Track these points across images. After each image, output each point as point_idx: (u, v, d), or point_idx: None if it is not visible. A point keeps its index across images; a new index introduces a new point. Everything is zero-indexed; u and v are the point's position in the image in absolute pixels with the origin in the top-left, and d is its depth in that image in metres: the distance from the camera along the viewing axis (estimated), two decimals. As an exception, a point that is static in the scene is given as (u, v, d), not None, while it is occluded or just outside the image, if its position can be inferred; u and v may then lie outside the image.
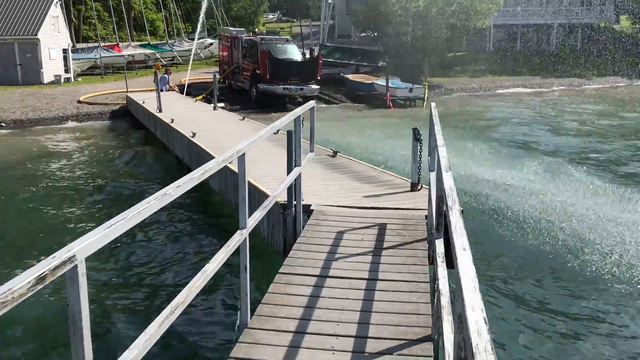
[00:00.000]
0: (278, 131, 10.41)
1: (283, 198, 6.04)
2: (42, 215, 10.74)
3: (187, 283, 3.03)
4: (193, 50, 30.22)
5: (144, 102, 19.00)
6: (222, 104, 20.21)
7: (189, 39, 44.82)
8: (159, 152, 16.01)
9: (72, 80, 31.63)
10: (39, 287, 1.70)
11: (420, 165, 7.06)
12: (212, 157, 9.57)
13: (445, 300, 2.82)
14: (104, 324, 6.20)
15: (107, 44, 38.77)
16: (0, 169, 14.89)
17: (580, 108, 27.12)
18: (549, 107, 27.94)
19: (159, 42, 45.05)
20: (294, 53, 26.55)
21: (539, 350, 5.76)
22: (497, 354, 1.35)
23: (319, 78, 25.91)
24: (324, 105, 26.02)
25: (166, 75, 24.38)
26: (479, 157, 14.51)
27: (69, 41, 33.36)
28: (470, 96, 32.28)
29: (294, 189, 5.93)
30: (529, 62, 40.69)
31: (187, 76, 25.53)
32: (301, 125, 5.76)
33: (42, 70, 29.53)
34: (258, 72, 24.96)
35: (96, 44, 36.92)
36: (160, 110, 16.57)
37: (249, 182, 4.66)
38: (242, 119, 15.76)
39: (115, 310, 6.74)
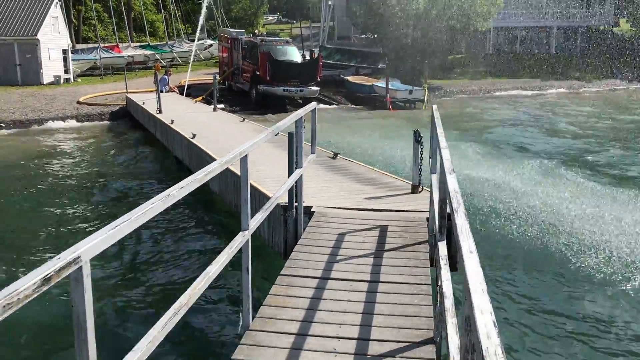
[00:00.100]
0: (278, 133, 10.41)
1: (284, 199, 6.03)
2: (42, 216, 10.73)
3: (190, 284, 3.02)
4: (193, 52, 30.21)
5: (143, 103, 18.99)
6: (221, 105, 20.20)
7: (188, 40, 44.86)
8: (158, 153, 16.00)
9: (72, 81, 31.62)
10: (45, 288, 1.69)
11: (421, 168, 7.05)
12: (212, 159, 9.56)
13: (449, 302, 2.81)
14: (106, 325, 6.18)
15: (106, 44, 38.77)
16: (-1, 169, 14.89)
17: (576, 111, 27.16)
18: (546, 109, 27.98)
19: (158, 43, 45.06)
20: (294, 55, 26.56)
21: (545, 353, 5.75)
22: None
23: (318, 80, 25.90)
24: (323, 106, 26.01)
25: (166, 77, 24.38)
26: (472, 158, 14.57)
27: (69, 42, 33.35)
28: (469, 98, 32.30)
29: (295, 191, 5.93)
30: (529, 65, 40.74)
31: (187, 77, 25.53)
32: (302, 126, 5.75)
33: (41, 71, 29.51)
34: (258, 73, 24.95)
35: (96, 45, 36.92)
36: (160, 111, 16.56)
37: (250, 183, 4.65)
38: (242, 121, 15.75)
39: (117, 311, 6.73)
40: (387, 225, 6.04)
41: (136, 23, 48.77)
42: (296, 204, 5.98)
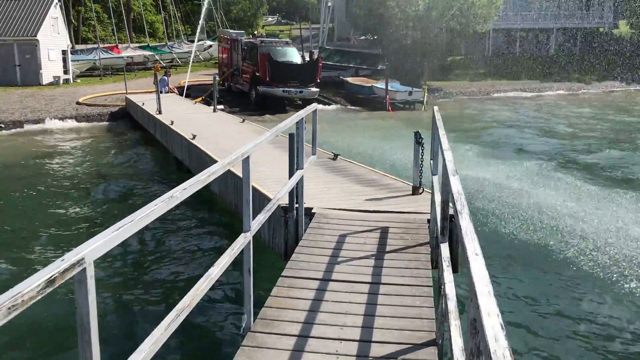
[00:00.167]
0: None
1: (284, 201, 6.02)
2: (41, 216, 10.71)
3: (192, 284, 3.02)
4: (193, 53, 30.20)
5: (143, 103, 18.97)
6: (221, 106, 20.20)
7: (188, 41, 44.80)
8: (158, 153, 15.99)
9: (71, 81, 31.58)
10: (49, 290, 1.69)
11: (421, 169, 7.05)
12: (212, 159, 9.55)
13: (452, 304, 2.81)
14: (109, 326, 6.18)
15: (106, 45, 38.71)
16: (-2, 169, 14.87)
17: (575, 112, 27.20)
18: (545, 111, 28.03)
19: (158, 43, 44.97)
20: (294, 56, 26.56)
21: (549, 355, 5.74)
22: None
23: (318, 81, 25.91)
24: (323, 107, 26.00)
25: (165, 77, 24.36)
26: (471, 159, 14.60)
27: (68, 42, 33.31)
28: (469, 100, 32.35)
29: (295, 192, 5.92)
30: (528, 67, 40.79)
31: (187, 78, 25.53)
32: (304, 127, 5.75)
33: (41, 72, 29.47)
34: (257, 74, 24.94)
35: (95, 46, 36.85)
36: (160, 112, 16.54)
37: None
38: (242, 122, 15.75)
39: (120, 312, 6.73)
40: (388, 227, 6.03)
41: (136, 24, 48.68)
42: (297, 205, 5.98)
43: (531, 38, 44.71)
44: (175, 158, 13.65)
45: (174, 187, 2.70)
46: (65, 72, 31.73)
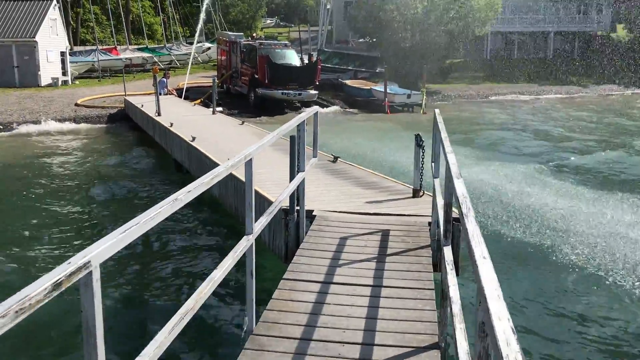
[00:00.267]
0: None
1: (285, 203, 6.01)
2: (41, 217, 10.68)
3: (195, 287, 3.01)
4: (192, 54, 30.19)
5: (142, 105, 18.95)
6: (220, 109, 20.18)
7: (186, 42, 44.82)
8: (157, 155, 15.97)
9: (70, 83, 31.54)
10: (55, 293, 1.68)
11: (422, 172, 7.05)
12: (212, 161, 9.54)
13: (457, 308, 2.80)
14: (114, 329, 6.16)
15: (104, 47, 38.69)
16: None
17: (572, 116, 27.26)
18: (543, 114, 28.09)
19: (156, 45, 44.97)
20: (293, 58, 26.57)
21: (555, 357, 5.75)
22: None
23: (317, 83, 25.92)
24: (321, 110, 25.99)
25: (164, 79, 24.34)
26: (470, 161, 14.63)
27: (67, 44, 33.27)
28: (467, 102, 32.40)
29: (296, 195, 5.91)
30: (526, 70, 40.88)
31: (186, 80, 25.52)
32: (305, 130, 5.74)
33: (39, 73, 29.44)
34: (256, 76, 24.94)
35: (94, 47, 36.84)
36: (159, 114, 16.52)
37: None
38: (242, 124, 15.74)
39: (124, 315, 6.71)
40: (389, 230, 6.02)
41: (134, 26, 48.69)
42: (298, 208, 5.97)
43: (529, 41, 44.81)
44: (175, 160, 13.62)
45: (173, 189, 2.70)
46: (64, 73, 31.68)
